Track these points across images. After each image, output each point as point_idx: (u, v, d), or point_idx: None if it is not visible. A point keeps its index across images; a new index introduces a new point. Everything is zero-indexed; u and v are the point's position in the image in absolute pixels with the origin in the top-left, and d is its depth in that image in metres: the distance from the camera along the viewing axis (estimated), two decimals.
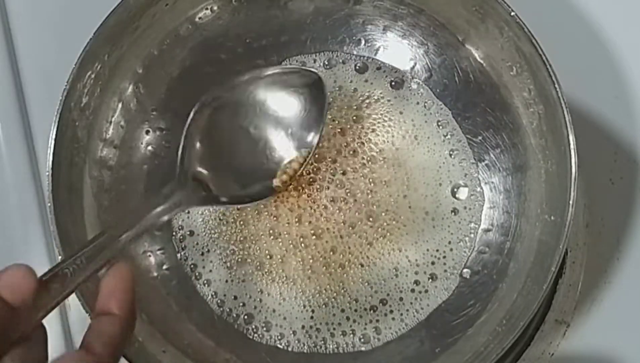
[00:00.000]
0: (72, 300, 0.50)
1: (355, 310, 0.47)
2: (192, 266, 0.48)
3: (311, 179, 0.49)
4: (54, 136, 0.42)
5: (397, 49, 0.50)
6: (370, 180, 0.48)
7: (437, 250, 0.47)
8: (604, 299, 0.48)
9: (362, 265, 0.47)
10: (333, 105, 0.50)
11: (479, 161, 0.48)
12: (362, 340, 0.46)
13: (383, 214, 0.48)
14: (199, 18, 0.49)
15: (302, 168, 0.46)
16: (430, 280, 0.47)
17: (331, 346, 0.46)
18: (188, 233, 0.49)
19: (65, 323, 0.50)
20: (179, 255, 0.49)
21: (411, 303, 0.47)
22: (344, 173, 0.49)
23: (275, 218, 0.48)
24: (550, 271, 0.39)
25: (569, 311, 0.48)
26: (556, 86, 0.40)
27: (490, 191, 0.48)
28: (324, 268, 0.47)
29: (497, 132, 0.47)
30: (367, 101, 0.50)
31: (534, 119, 0.44)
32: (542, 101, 0.42)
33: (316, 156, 0.49)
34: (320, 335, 0.46)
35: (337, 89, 0.50)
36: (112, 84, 0.46)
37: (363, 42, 0.51)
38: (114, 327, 0.32)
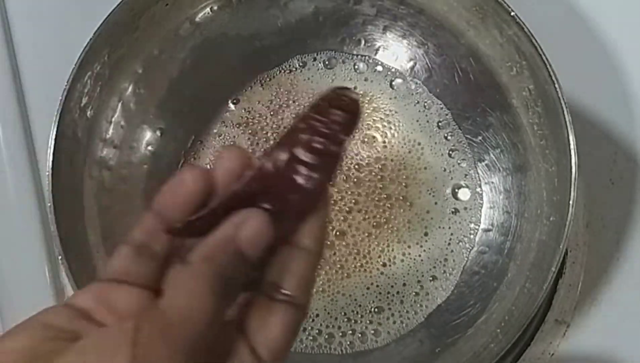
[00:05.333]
0: None
1: (357, 312, 0.47)
2: None
3: None
4: (54, 136, 0.42)
5: (397, 49, 0.50)
6: (371, 181, 0.48)
7: (438, 251, 0.47)
8: (604, 299, 0.48)
9: (363, 267, 0.47)
10: None
11: (479, 161, 0.48)
12: (362, 340, 0.46)
13: (384, 215, 0.48)
14: (199, 18, 0.49)
15: None
16: (431, 281, 0.47)
17: (332, 346, 0.46)
18: None
19: None
20: None
21: (411, 305, 0.47)
22: (344, 174, 0.49)
23: None
24: (550, 271, 0.39)
25: (569, 311, 0.48)
26: (556, 86, 0.40)
27: (490, 191, 0.48)
28: (326, 270, 0.47)
29: (497, 133, 0.47)
30: (367, 100, 0.50)
31: (534, 119, 0.44)
32: (542, 101, 0.42)
33: None
34: (321, 336, 0.46)
35: None
36: (112, 84, 0.46)
37: (363, 42, 0.51)
38: (306, 267, 0.28)
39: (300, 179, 0.27)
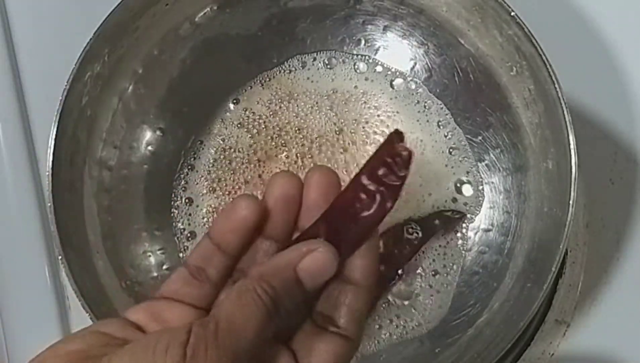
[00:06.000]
0: (73, 301, 0.50)
1: None
2: None
3: None
4: (54, 136, 0.42)
5: (397, 49, 0.50)
6: None
7: (438, 250, 0.47)
8: (604, 299, 0.48)
9: None
10: (333, 106, 0.50)
11: (479, 161, 0.48)
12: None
13: None
14: (199, 18, 0.49)
15: None
16: (431, 281, 0.47)
17: None
18: (189, 234, 0.49)
19: (66, 324, 0.50)
20: (182, 257, 0.49)
21: (411, 304, 0.47)
22: (345, 174, 0.49)
23: None
24: (550, 271, 0.39)
25: (569, 311, 0.48)
26: (556, 86, 0.40)
27: (491, 191, 0.48)
28: None
29: (497, 133, 0.47)
30: (367, 100, 0.50)
31: (534, 119, 0.44)
32: (542, 101, 0.42)
33: (316, 157, 0.49)
34: None
35: (336, 88, 0.50)
36: (112, 84, 0.46)
37: (363, 42, 0.51)
38: (358, 301, 0.29)
39: (361, 209, 0.28)
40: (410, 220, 0.47)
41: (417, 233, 0.46)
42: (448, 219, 0.47)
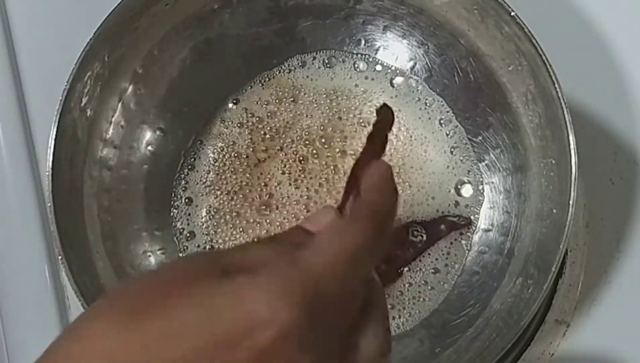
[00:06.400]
0: (73, 301, 0.50)
1: None
2: None
3: (313, 181, 0.49)
4: (54, 136, 0.42)
5: (397, 49, 0.50)
6: None
7: (438, 250, 0.47)
8: (604, 299, 0.48)
9: None
10: (333, 104, 0.50)
11: (479, 161, 0.48)
12: None
13: None
14: (199, 18, 0.49)
15: None
16: (431, 280, 0.47)
17: None
18: (188, 234, 0.49)
19: (66, 324, 0.50)
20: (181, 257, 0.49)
21: (411, 304, 0.47)
22: (345, 173, 0.49)
23: (277, 222, 0.48)
24: (550, 271, 0.39)
25: (569, 311, 0.48)
26: (556, 86, 0.40)
27: (491, 191, 0.48)
28: None
29: (497, 133, 0.47)
30: (368, 99, 0.50)
31: (534, 119, 0.44)
32: (542, 101, 0.42)
33: (316, 156, 0.49)
34: None
35: (336, 87, 0.50)
36: (112, 84, 0.46)
37: (363, 42, 0.51)
38: (374, 198, 0.29)
39: None
40: (414, 223, 0.47)
41: (422, 236, 0.47)
42: (454, 225, 0.47)
